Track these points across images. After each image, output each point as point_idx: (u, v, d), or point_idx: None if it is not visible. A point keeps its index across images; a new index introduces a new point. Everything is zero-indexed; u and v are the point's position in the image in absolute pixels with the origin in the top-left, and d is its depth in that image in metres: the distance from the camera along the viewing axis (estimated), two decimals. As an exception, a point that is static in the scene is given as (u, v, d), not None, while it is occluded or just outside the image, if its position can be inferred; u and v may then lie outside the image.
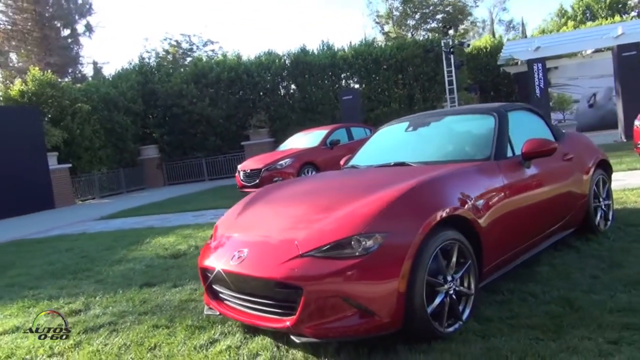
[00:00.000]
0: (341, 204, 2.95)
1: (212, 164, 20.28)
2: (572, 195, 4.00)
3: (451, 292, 2.75)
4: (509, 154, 3.59)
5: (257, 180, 10.71)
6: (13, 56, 26.72)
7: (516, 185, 3.38)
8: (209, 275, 3.11)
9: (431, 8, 22.05)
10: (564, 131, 4.61)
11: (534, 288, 3.25)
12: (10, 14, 24.97)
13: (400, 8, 22.59)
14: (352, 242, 2.58)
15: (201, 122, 19.78)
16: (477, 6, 25.51)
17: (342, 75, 19.41)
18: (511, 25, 41.88)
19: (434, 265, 2.67)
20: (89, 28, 28.34)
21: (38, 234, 9.28)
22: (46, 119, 16.24)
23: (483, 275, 3.06)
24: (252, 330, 3.06)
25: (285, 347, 2.80)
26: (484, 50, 22.47)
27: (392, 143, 4.42)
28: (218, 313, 3.11)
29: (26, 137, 14.55)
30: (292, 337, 2.62)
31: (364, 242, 2.55)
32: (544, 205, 3.63)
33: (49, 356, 3.13)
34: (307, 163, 11.03)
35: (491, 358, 2.41)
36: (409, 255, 2.52)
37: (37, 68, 16.85)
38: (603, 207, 4.49)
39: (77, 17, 27.91)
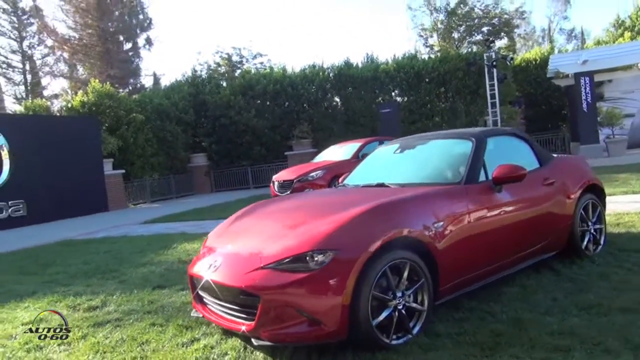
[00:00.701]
0: (310, 221, 3.26)
1: (257, 172, 21.00)
2: (551, 219, 4.10)
3: (400, 307, 2.99)
4: (483, 178, 3.78)
5: (289, 191, 11.13)
6: (81, 69, 28.83)
7: (483, 209, 3.56)
8: (196, 282, 3.50)
9: (476, 21, 21.88)
10: (555, 155, 4.70)
11: (495, 307, 3.42)
12: (79, 29, 27.03)
13: (445, 21, 22.58)
14: (307, 257, 2.88)
15: (247, 132, 20.57)
16: (524, 19, 24.95)
17: (384, 88, 19.63)
18: (572, 34, 40.51)
19: (383, 282, 2.93)
20: (148, 42, 30.21)
21: (86, 235, 10.09)
22: (104, 127, 17.46)
23: (440, 293, 3.27)
24: (229, 333, 3.41)
25: (251, 349, 3.13)
26: (534, 62, 22.03)
27: (382, 164, 4.68)
28: (201, 315, 3.49)
29: (85, 144, 15.76)
30: (252, 340, 2.96)
31: (316, 258, 2.86)
32: (516, 229, 3.78)
33: (59, 345, 3.62)
34: (337, 175, 11.30)
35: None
36: (354, 271, 2.80)
37: (97, 80, 18.18)
38: (592, 231, 4.53)
39: (138, 31, 29.76)
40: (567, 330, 2.91)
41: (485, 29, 21.49)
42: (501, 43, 22.59)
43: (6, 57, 31.19)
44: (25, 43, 31.34)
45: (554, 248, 4.25)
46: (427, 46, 23.90)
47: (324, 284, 2.79)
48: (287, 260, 2.92)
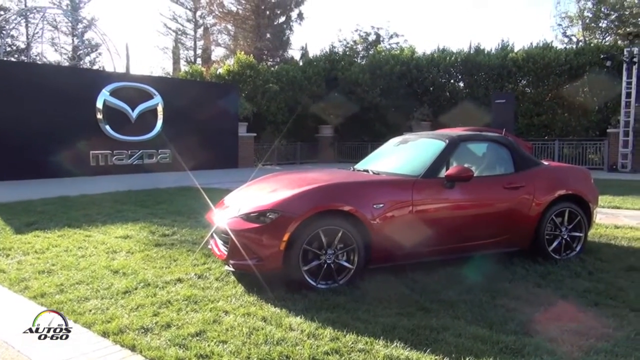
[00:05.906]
0: (283, 190, 4.36)
1: (376, 147, 22.01)
2: (506, 219, 4.60)
3: (329, 261, 3.99)
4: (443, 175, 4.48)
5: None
6: (238, 39, 32.32)
7: (426, 201, 4.31)
8: (210, 225, 4.85)
9: (629, 11, 19.65)
10: (545, 163, 5.10)
11: (416, 277, 4.23)
12: (239, 3, 30.29)
13: (593, 9, 20.65)
14: (267, 213, 4.02)
15: (371, 109, 21.62)
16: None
17: (511, 78, 19.07)
18: None
19: (316, 240, 3.94)
20: (300, 16, 32.48)
21: (205, 185, 12.22)
22: (242, 94, 19.90)
23: (373, 260, 4.16)
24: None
25: (229, 274, 4.41)
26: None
27: (381, 153, 5.53)
28: (210, 246, 4.84)
29: (225, 108, 18.26)
30: (225, 266, 4.23)
31: (270, 215, 3.99)
32: (459, 221, 4.43)
33: (126, 253, 5.29)
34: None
35: (320, 305, 3.65)
36: (289, 228, 3.86)
37: (242, 52, 20.64)
38: (566, 237, 4.88)
39: (293, 6, 32.16)
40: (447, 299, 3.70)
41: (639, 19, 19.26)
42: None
43: (182, 25, 36.20)
44: (198, 13, 36.02)
45: (515, 245, 4.75)
46: (565, 36, 22.19)
47: (269, 233, 3.92)
48: (253, 214, 4.09)
